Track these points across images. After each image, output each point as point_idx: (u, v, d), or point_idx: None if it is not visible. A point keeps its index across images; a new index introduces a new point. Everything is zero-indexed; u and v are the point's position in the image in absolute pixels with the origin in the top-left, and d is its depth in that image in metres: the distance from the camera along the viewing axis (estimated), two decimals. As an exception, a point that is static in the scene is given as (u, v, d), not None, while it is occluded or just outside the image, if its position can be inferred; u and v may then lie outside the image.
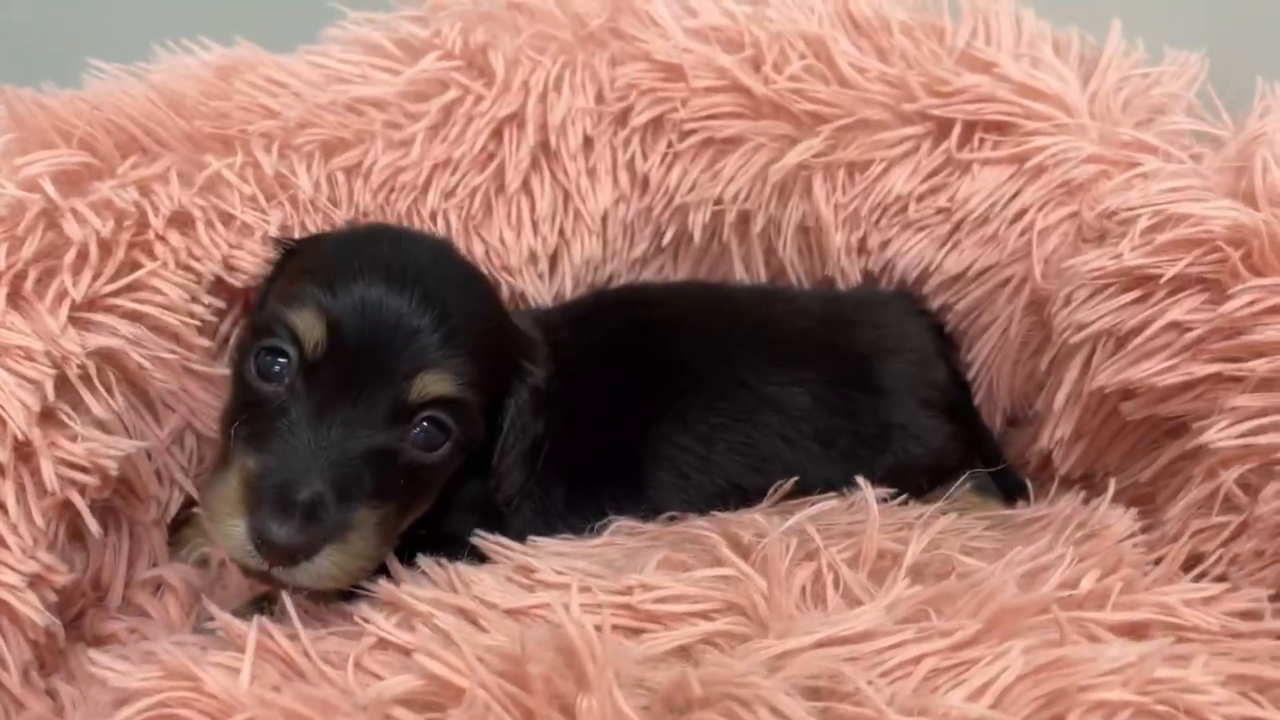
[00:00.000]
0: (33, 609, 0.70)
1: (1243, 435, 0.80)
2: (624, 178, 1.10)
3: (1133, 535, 0.81)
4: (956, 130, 1.03)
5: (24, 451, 0.71)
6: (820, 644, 0.66)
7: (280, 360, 0.76)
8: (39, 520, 0.71)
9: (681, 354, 0.99)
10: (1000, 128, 1.02)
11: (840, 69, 1.07)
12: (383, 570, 0.75)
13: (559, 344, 0.95)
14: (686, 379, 0.97)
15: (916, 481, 0.94)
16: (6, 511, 0.69)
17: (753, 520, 0.81)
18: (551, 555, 0.78)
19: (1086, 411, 0.94)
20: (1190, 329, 0.85)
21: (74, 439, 0.75)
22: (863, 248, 1.08)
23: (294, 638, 0.67)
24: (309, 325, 0.75)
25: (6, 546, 0.69)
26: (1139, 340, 0.88)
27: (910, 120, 1.05)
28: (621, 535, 0.84)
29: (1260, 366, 0.80)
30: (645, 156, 1.10)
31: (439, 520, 0.84)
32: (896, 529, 0.81)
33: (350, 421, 0.73)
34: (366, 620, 0.69)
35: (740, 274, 1.13)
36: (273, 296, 0.84)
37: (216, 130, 0.92)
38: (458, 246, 1.03)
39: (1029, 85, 1.01)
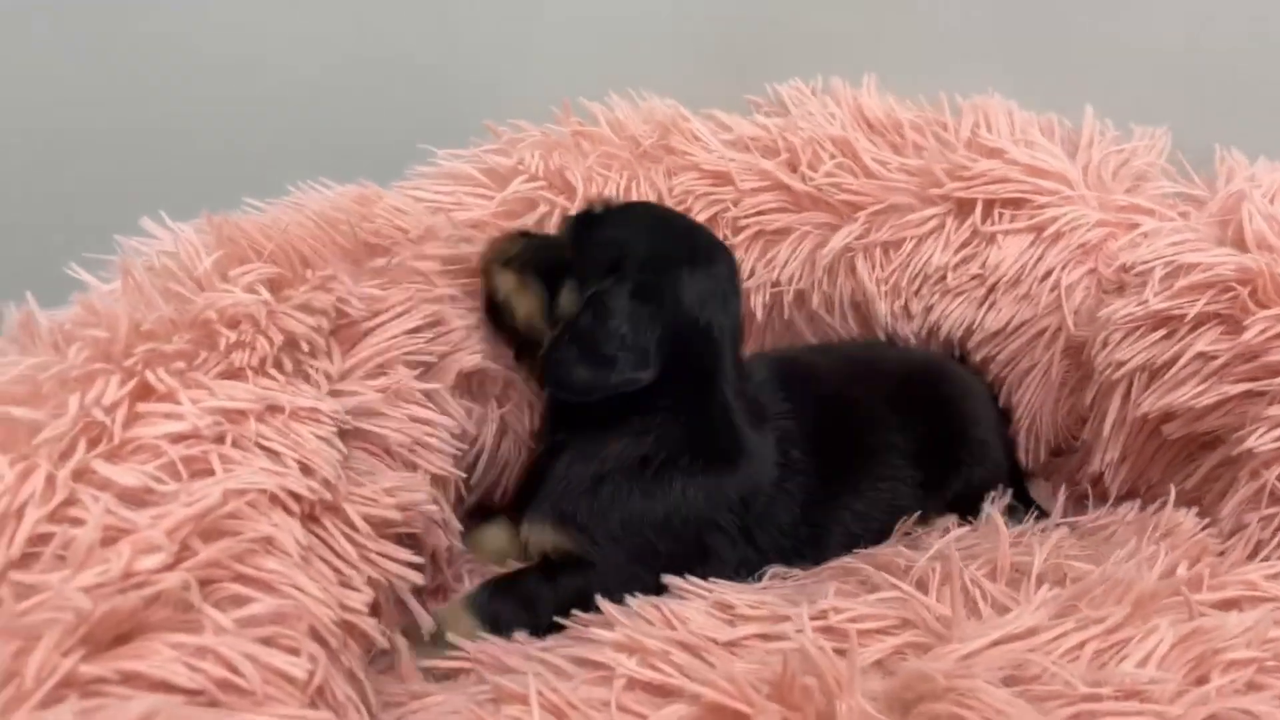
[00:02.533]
0: (374, 630, 0.78)
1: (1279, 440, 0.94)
2: (690, 269, 1.22)
3: (1200, 530, 0.94)
4: (978, 208, 1.16)
5: (335, 499, 0.81)
6: (996, 643, 0.76)
7: None
8: (356, 560, 0.80)
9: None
10: (1015, 203, 1.16)
11: (866, 163, 1.21)
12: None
13: None
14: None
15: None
16: (337, 551, 0.79)
17: (896, 551, 0.92)
18: (737, 593, 0.87)
19: (1130, 435, 1.07)
20: (1215, 357, 1.00)
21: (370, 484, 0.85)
22: (908, 313, 1.20)
23: (556, 690, 0.75)
24: None
25: (346, 579, 0.78)
26: (1173, 371, 1.02)
27: (932, 202, 1.19)
28: (777, 581, 0.94)
29: (1281, 382, 0.95)
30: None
31: None
32: (1011, 546, 0.92)
33: None
34: (613, 665, 0.77)
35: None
36: None
37: (371, 242, 1.02)
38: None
39: (1034, 165, 1.16)
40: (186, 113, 1.36)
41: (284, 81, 1.36)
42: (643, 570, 0.95)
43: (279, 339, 0.87)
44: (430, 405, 0.96)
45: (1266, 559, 0.91)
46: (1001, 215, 1.17)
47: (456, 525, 0.94)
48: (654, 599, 0.85)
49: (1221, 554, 0.92)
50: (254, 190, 1.05)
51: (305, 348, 0.89)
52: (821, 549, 1.01)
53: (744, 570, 0.97)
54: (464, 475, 1.01)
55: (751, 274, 1.22)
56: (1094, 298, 1.12)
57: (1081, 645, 0.76)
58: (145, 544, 0.66)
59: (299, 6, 1.33)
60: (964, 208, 1.18)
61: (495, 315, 1.05)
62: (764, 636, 0.80)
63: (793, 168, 1.22)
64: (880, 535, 1.03)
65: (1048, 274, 1.14)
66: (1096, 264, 1.13)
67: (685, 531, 0.97)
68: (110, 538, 0.66)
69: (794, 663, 0.70)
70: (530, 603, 0.94)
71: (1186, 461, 1.06)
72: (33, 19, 1.31)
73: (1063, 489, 1.09)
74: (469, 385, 1.04)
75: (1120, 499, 1.09)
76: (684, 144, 1.25)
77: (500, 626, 0.90)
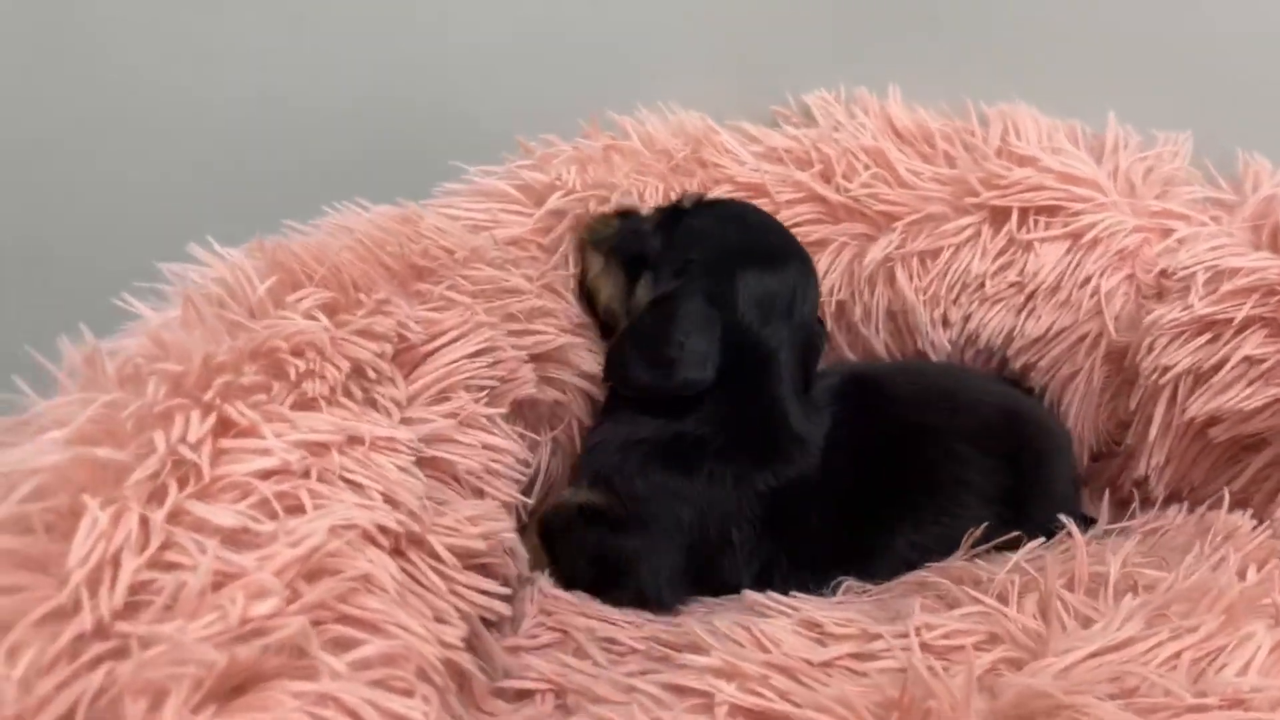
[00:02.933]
0: (471, 664, 0.77)
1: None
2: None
3: (1264, 533, 0.94)
4: (1014, 216, 1.16)
5: (420, 530, 0.78)
6: (1093, 655, 0.76)
7: None
8: (445, 593, 0.78)
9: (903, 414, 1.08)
10: (1050, 211, 1.16)
11: (900, 173, 1.21)
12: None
13: None
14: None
15: None
16: (426, 585, 0.76)
17: (971, 564, 0.91)
18: (820, 609, 0.86)
19: (1175, 439, 1.08)
20: (1262, 360, 1.01)
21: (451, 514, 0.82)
22: (946, 321, 1.20)
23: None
24: None
25: (440, 614, 0.75)
26: (1220, 375, 1.02)
27: (967, 211, 1.19)
28: (852, 595, 0.93)
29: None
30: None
31: None
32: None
33: None
34: (713, 692, 0.76)
35: (847, 357, 1.25)
36: None
37: (418, 263, 1.01)
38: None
39: (1067, 173, 1.16)
40: (212, 136, 1.33)
41: (307, 100, 1.34)
42: (667, 543, 0.97)
43: (345, 366, 0.85)
44: (496, 431, 0.94)
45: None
46: (1037, 222, 1.16)
47: (524, 552, 0.92)
48: (740, 619, 0.84)
49: (1287, 555, 0.93)
50: (284, 211, 1.03)
51: (372, 374, 0.87)
52: (868, 570, 0.99)
53: (769, 573, 0.98)
54: (529, 501, 0.99)
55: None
56: (1134, 303, 1.13)
57: (1178, 655, 0.75)
58: (257, 588, 0.64)
59: (321, 23, 1.31)
60: (998, 216, 1.18)
61: (584, 294, 1.10)
62: (857, 656, 0.79)
63: (826, 179, 1.22)
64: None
65: (1087, 280, 1.14)
66: (1134, 270, 1.13)
67: (710, 512, 0.97)
68: (217, 583, 0.64)
69: (915, 685, 0.69)
70: (568, 531, 0.99)
71: (1231, 463, 1.07)
72: (48, 48, 1.28)
73: (1106, 494, 1.09)
74: (522, 411, 1.02)
75: (1163, 502, 1.10)
76: (716, 156, 1.24)
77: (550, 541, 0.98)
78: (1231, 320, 1.02)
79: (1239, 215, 1.13)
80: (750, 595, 0.89)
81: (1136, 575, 0.89)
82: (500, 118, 1.30)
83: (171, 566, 0.65)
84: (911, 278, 1.20)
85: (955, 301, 1.19)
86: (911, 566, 0.97)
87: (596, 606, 0.94)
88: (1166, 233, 1.14)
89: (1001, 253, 1.18)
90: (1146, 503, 1.12)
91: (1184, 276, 1.08)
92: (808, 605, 0.86)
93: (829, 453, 1.02)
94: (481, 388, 0.95)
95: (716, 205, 1.12)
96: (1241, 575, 0.86)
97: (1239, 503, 1.04)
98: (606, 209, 1.13)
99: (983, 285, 1.18)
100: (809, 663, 0.78)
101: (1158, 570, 0.89)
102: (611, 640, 0.88)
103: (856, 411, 1.04)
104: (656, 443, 0.98)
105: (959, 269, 1.18)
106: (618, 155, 1.22)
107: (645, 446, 0.99)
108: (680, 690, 0.78)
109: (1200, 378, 1.05)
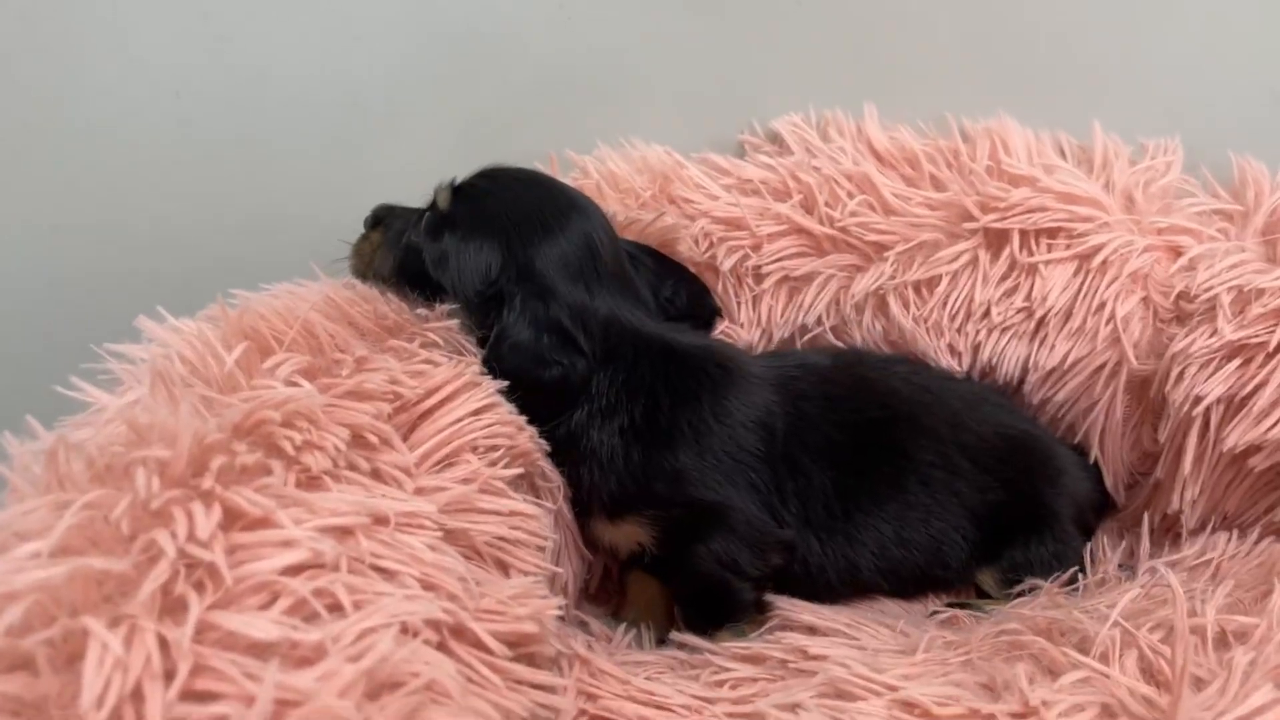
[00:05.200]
0: None
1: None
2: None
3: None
4: (1015, 239, 1.15)
5: (462, 618, 0.71)
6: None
7: None
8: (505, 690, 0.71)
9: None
10: (1050, 233, 1.16)
11: (886, 199, 1.19)
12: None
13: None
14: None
15: None
16: (480, 683, 0.70)
17: (1063, 612, 0.88)
18: (910, 680, 0.81)
19: (1210, 469, 1.07)
20: (1302, 385, 1.02)
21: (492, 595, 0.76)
22: (953, 350, 1.19)
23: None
24: None
25: (508, 715, 0.70)
26: (1260, 401, 1.03)
27: (961, 236, 1.18)
28: (936, 651, 0.89)
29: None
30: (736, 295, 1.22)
31: None
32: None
33: None
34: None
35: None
36: None
37: (392, 320, 0.96)
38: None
39: (1067, 192, 1.16)
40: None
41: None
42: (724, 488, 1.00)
43: (344, 434, 0.77)
44: (515, 496, 0.87)
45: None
46: (1039, 244, 1.16)
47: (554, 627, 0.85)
48: (827, 705, 0.78)
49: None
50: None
51: (373, 440, 0.79)
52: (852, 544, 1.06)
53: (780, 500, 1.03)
54: (560, 570, 0.94)
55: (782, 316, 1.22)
56: (1152, 329, 1.13)
57: (1308, 718, 0.73)
58: (328, 717, 0.56)
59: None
60: (995, 239, 1.17)
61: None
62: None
63: (808, 209, 1.20)
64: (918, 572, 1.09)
65: (1101, 306, 1.13)
66: (1150, 292, 1.13)
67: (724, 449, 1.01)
68: (274, 713, 0.56)
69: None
70: (707, 601, 1.02)
71: (1269, 490, 1.07)
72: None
73: (1145, 525, 1.11)
74: (529, 480, 0.96)
75: (1199, 529, 1.10)
76: (686, 192, 1.21)
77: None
78: (1264, 344, 1.03)
79: (1249, 228, 1.15)
80: (831, 670, 0.83)
81: (1223, 622, 0.87)
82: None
83: (209, 696, 0.57)
84: (908, 306, 1.18)
85: (960, 330, 1.18)
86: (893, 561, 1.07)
87: (644, 683, 0.86)
88: (1177, 250, 1.15)
89: (1004, 277, 1.17)
90: (1169, 532, 1.12)
91: (1206, 299, 1.08)
92: (894, 675, 0.81)
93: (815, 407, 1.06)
94: (492, 448, 0.88)
95: (476, 211, 1.04)
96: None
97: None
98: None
99: (988, 313, 1.16)
100: (918, 756, 0.73)
101: (1241, 615, 0.87)
102: (671, 735, 0.81)
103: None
104: (617, 441, 1.00)
105: (960, 296, 1.17)
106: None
107: (615, 446, 1.01)
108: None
109: (1234, 406, 1.05)
